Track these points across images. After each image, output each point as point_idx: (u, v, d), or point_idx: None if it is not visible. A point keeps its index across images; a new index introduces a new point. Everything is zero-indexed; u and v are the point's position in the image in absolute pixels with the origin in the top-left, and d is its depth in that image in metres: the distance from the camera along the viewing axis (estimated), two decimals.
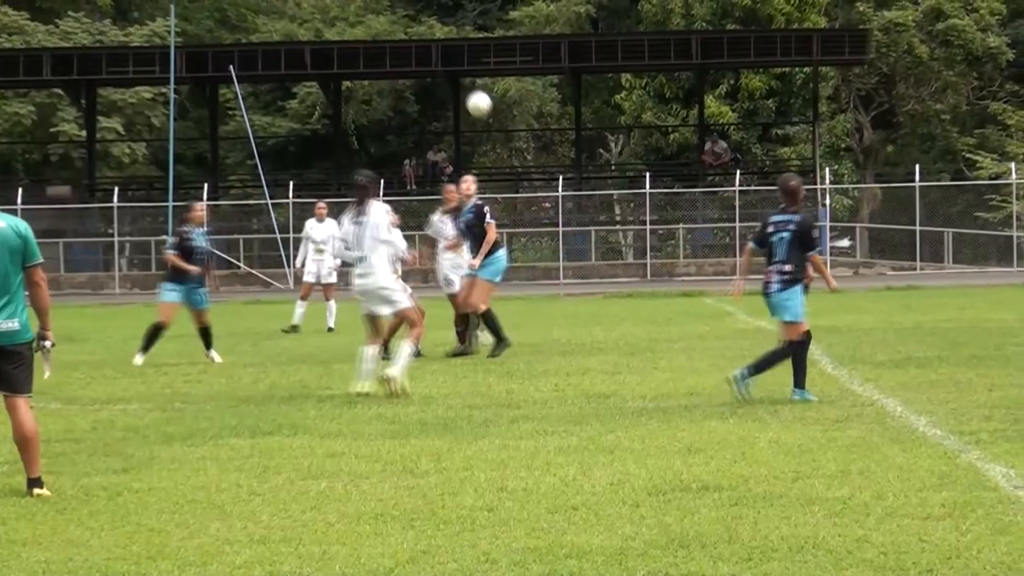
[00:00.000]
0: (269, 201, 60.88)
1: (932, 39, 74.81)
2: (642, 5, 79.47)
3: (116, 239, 63.88)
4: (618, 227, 67.51)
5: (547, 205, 65.32)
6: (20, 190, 63.89)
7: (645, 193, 63.98)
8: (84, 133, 72.05)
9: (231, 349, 30.18)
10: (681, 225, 64.38)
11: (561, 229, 64.22)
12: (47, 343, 13.15)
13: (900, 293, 48.17)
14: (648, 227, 63.90)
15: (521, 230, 66.72)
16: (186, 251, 26.07)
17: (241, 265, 62.33)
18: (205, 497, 12.99)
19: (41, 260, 12.93)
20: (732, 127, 74.21)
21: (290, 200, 61.89)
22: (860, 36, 67.81)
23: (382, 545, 10.80)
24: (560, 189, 64.15)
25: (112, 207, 63.15)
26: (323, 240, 35.36)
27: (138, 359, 26.04)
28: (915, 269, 62.52)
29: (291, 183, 63.04)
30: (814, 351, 25.99)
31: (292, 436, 16.66)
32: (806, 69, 71.57)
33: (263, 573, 9.98)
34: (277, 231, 59.46)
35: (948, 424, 16.08)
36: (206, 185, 63.78)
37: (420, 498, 12.64)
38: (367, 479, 13.69)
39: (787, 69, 73.62)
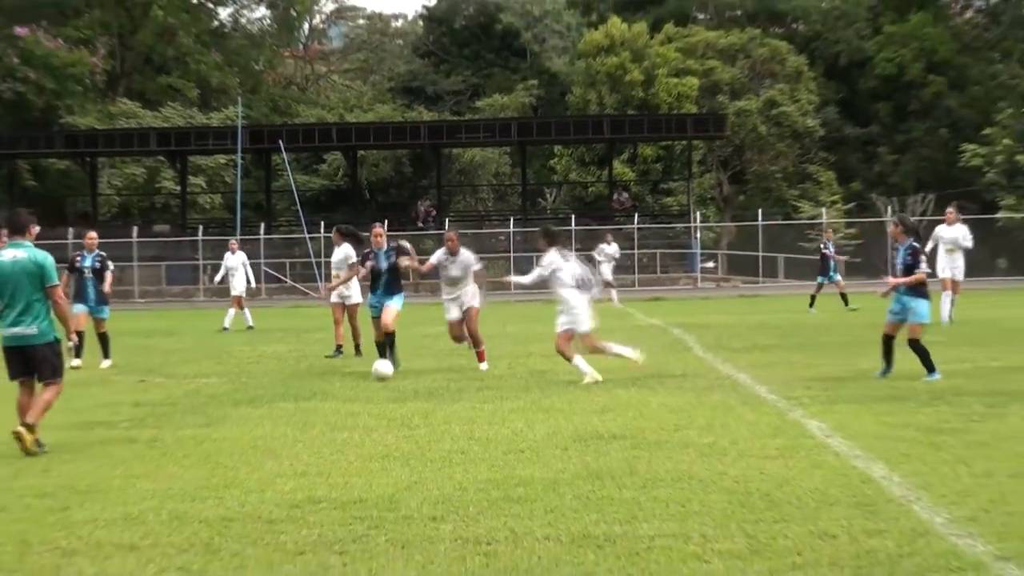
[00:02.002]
0: (307, 235, 60.62)
1: (769, 121, 74.93)
2: (569, 97, 79.52)
3: (201, 262, 63.49)
4: None
5: (502, 238, 64.96)
6: (135, 228, 63.73)
7: (571, 230, 63.93)
8: (179, 188, 71.78)
9: (280, 340, 30.06)
10: (598, 252, 64.24)
11: (512, 255, 63.95)
12: (70, 343, 12.93)
13: (749, 300, 48.17)
14: (573, 254, 63.78)
15: (483, 255, 66.52)
16: (76, 271, 23.44)
17: (287, 280, 61.99)
18: (263, 444, 12.99)
19: (57, 283, 12.66)
20: (632, 183, 74.18)
21: (321, 235, 61.63)
22: (720, 119, 67.90)
23: (387, 477, 10.81)
24: (511, 227, 63.93)
25: (198, 240, 62.99)
26: (234, 266, 35.96)
27: (105, 363, 23.08)
28: (758, 283, 62.68)
29: (322, 223, 62.79)
30: (688, 340, 26.07)
31: (324, 401, 16.62)
32: (683, 142, 71.66)
33: (303, 497, 10.00)
34: (312, 256, 59.21)
35: (781, 391, 16.11)
36: (262, 224, 63.51)
37: (413, 444, 12.64)
38: (376, 431, 13.69)
39: (670, 142, 73.66)
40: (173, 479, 11.08)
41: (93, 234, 24.34)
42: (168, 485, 10.76)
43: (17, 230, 12.77)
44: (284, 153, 64.95)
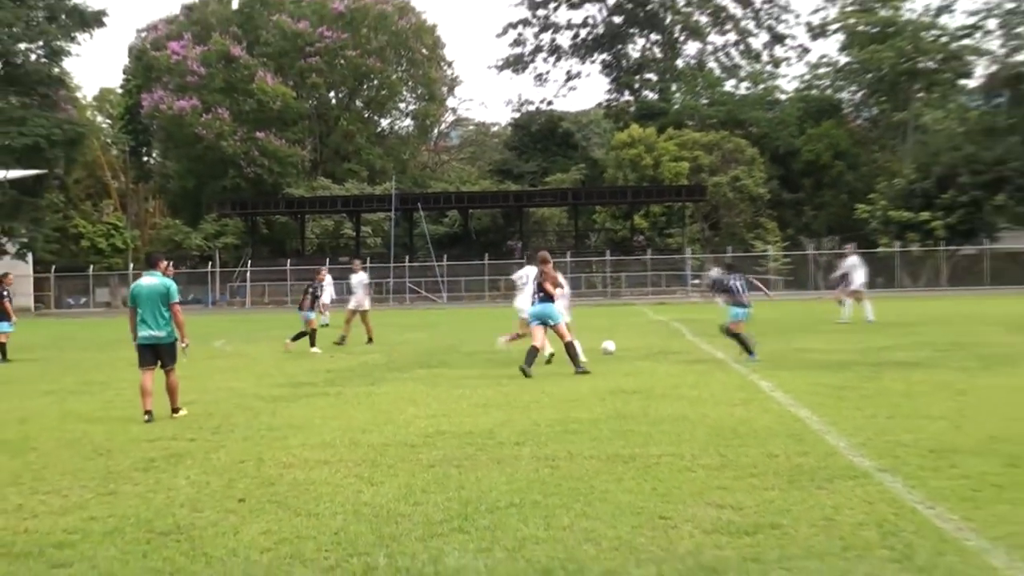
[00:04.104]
0: (436, 264, 61.02)
1: (735, 189, 74.16)
2: (605, 175, 79.14)
3: (367, 281, 63.70)
4: (595, 274, 66.92)
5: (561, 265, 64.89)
6: (327, 259, 64.11)
7: (607, 260, 63.84)
8: (354, 233, 72.23)
9: (416, 329, 30.08)
10: (623, 273, 63.87)
11: (568, 276, 64.01)
12: (183, 345, 12.50)
13: (721, 308, 47.72)
14: (609, 274, 63.50)
15: None
16: (315, 296, 22.95)
17: (422, 291, 62.24)
18: (406, 396, 13.03)
19: (177, 301, 11.81)
20: (646, 229, 73.74)
21: (445, 264, 62.05)
22: (702, 188, 67.49)
23: (487, 417, 10.82)
24: (568, 258, 63.95)
25: (368, 267, 63.23)
26: (355, 284, 33.40)
27: (314, 350, 21.60)
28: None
29: (445, 256, 63.23)
30: (683, 329, 25.87)
31: (445, 369, 16.65)
32: (678, 203, 71.37)
33: (433, 431, 10.02)
34: (439, 276, 59.76)
35: (741, 363, 16.00)
36: (407, 257, 63.84)
37: (504, 396, 12.64)
38: (479, 388, 13.69)
39: (670, 203, 73.17)
40: (351, 418, 11.14)
41: (324, 270, 24.49)
42: (348, 422, 10.83)
43: (151, 264, 12.23)
44: (422, 212, 65.32)
